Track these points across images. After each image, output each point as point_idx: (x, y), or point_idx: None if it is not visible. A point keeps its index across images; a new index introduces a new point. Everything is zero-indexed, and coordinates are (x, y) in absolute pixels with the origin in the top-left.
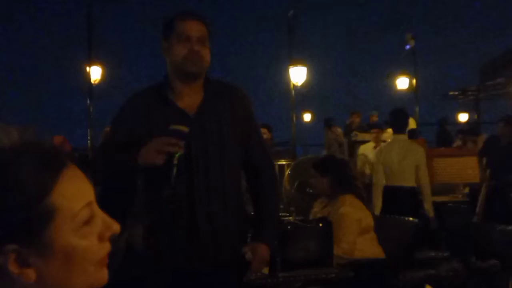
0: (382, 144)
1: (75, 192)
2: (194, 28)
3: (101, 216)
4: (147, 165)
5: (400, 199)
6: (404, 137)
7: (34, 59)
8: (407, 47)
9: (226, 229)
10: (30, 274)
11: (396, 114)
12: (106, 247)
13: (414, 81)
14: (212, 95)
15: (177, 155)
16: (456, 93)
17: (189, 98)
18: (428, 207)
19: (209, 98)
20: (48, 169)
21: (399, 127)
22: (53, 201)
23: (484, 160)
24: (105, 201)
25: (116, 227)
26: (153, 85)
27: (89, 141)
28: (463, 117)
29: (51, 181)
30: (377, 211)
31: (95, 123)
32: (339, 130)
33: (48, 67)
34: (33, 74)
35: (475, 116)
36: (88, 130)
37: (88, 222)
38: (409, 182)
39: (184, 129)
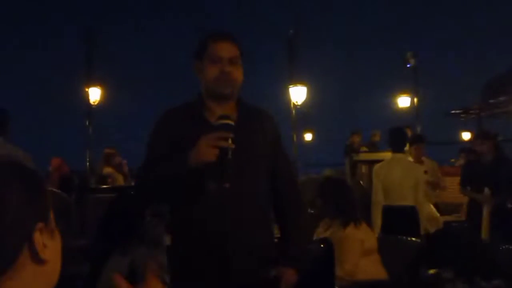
0: (379, 164)
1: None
2: (226, 49)
3: None
4: (199, 163)
5: (400, 219)
6: (402, 155)
7: (33, 80)
8: (408, 65)
9: (254, 252)
10: (47, 253)
11: (394, 133)
12: None
13: (415, 99)
14: (245, 116)
15: (230, 149)
16: (458, 111)
17: None
18: (423, 226)
19: (242, 119)
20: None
21: (397, 146)
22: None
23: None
24: (109, 224)
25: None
26: (185, 102)
27: (87, 163)
28: (465, 135)
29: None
30: (377, 230)
31: (94, 144)
32: None
33: (47, 88)
34: (32, 95)
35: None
36: (87, 151)
37: None
38: (409, 201)
39: (231, 122)
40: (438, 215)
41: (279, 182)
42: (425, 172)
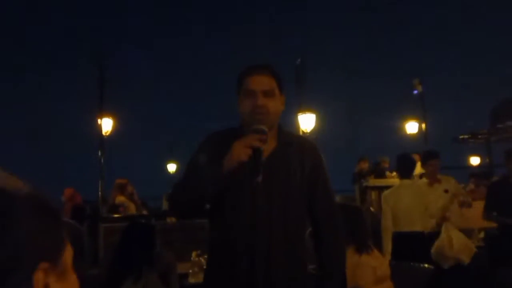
0: (388, 190)
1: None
2: (259, 83)
3: None
4: (233, 164)
5: (410, 245)
6: (410, 181)
7: (45, 110)
8: (415, 92)
9: (284, 280)
10: None
11: (402, 159)
12: None
13: (423, 125)
14: (284, 144)
15: (262, 149)
16: (467, 136)
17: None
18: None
19: (281, 146)
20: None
21: (405, 172)
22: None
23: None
24: (122, 252)
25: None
26: (228, 128)
27: (100, 193)
28: (474, 160)
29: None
30: (388, 256)
31: (106, 174)
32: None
33: (60, 119)
34: (44, 125)
35: (487, 159)
36: (99, 181)
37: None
38: (417, 227)
39: (265, 128)
40: (471, 242)
41: (317, 212)
42: (446, 191)
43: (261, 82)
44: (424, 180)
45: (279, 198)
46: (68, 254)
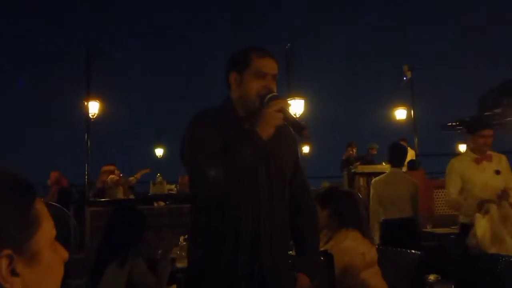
0: (377, 177)
1: (46, 213)
2: (271, 66)
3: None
4: (271, 130)
5: (398, 231)
6: (400, 170)
7: (31, 94)
8: (404, 78)
9: (283, 259)
10: (17, 284)
11: (394, 148)
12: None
13: (412, 112)
14: (277, 129)
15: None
16: (454, 123)
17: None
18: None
19: (276, 131)
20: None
21: (396, 161)
22: (37, 212)
23: None
24: (110, 234)
25: (66, 255)
26: (213, 107)
27: (86, 177)
28: (462, 147)
29: (33, 198)
30: (376, 239)
31: (93, 158)
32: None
33: (46, 102)
34: (30, 109)
35: None
36: (86, 165)
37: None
38: (405, 214)
39: (274, 93)
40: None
41: (297, 195)
42: (497, 172)
43: (272, 65)
44: (470, 154)
45: (277, 183)
46: (42, 236)
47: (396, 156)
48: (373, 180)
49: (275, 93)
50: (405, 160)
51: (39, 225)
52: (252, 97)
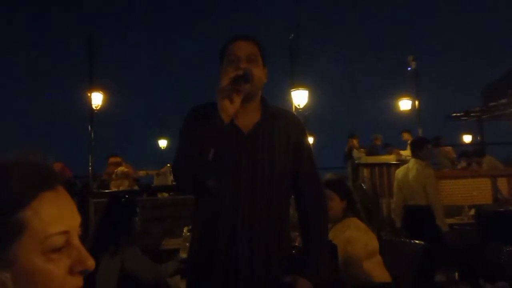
0: (399, 168)
1: (53, 216)
2: (243, 48)
3: (77, 249)
4: (227, 106)
5: (417, 217)
6: (420, 161)
7: (35, 85)
8: (409, 68)
9: (265, 253)
10: None
11: (417, 141)
12: (76, 281)
13: (416, 102)
14: (268, 116)
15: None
16: (459, 114)
17: (245, 118)
18: (439, 223)
19: (265, 118)
20: (29, 185)
21: (417, 153)
22: (25, 217)
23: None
24: (103, 224)
25: (90, 263)
26: (211, 102)
27: (90, 168)
28: (467, 138)
29: (28, 197)
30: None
31: (96, 149)
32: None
33: (50, 93)
34: (34, 100)
35: (479, 137)
36: (90, 156)
37: (60, 249)
38: (420, 201)
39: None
40: None
41: (302, 187)
42: None
43: (245, 47)
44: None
45: (263, 171)
46: (27, 244)
47: (418, 148)
48: (396, 172)
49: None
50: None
51: (22, 233)
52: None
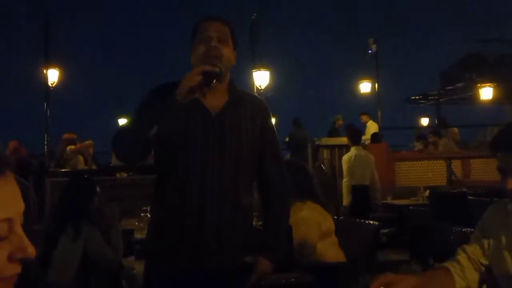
0: (346, 154)
1: None
2: (213, 28)
3: (18, 236)
4: (184, 91)
5: (362, 194)
6: (360, 147)
7: None
8: (370, 51)
9: (233, 237)
10: None
11: (352, 130)
12: (15, 268)
13: (376, 85)
14: (235, 99)
15: (218, 71)
16: (418, 97)
17: (213, 99)
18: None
19: (232, 101)
20: None
21: (356, 141)
22: None
23: None
24: (62, 205)
25: (31, 251)
26: (176, 81)
27: (46, 146)
28: (424, 121)
29: None
30: (346, 203)
31: (53, 129)
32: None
33: (3, 70)
34: None
35: (436, 120)
36: (45, 135)
37: (3, 239)
38: (366, 182)
39: (220, 66)
40: None
41: (267, 168)
42: None
43: (216, 27)
44: None
45: (230, 153)
46: None
47: (355, 137)
48: (343, 157)
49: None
50: (361, 138)
51: None
52: (198, 61)
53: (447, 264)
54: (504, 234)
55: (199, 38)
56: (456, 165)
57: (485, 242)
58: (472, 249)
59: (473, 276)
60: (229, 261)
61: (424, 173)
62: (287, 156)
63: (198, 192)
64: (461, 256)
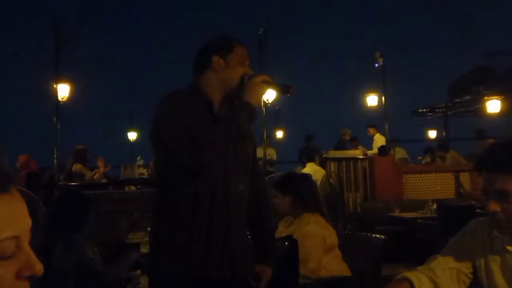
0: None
1: (5, 219)
2: (247, 55)
3: (26, 253)
4: (259, 96)
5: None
6: (312, 164)
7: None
8: (376, 65)
9: (244, 242)
10: None
11: (306, 150)
12: (23, 285)
13: (383, 98)
14: None
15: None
16: (425, 110)
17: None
18: None
19: None
20: None
21: (310, 158)
22: None
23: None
24: (54, 218)
25: (39, 268)
26: (183, 90)
27: (55, 160)
28: (432, 134)
29: None
30: None
31: (63, 143)
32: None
33: (14, 84)
34: None
35: (443, 133)
36: (55, 149)
37: (10, 257)
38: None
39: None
40: None
41: (255, 184)
42: None
43: (247, 55)
44: None
45: (244, 170)
46: None
47: (309, 155)
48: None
49: (253, 73)
50: (314, 157)
51: None
52: (235, 80)
53: (409, 275)
54: (491, 259)
55: (238, 60)
56: (465, 177)
57: (466, 264)
58: (441, 272)
59: None
60: (242, 268)
61: (432, 186)
62: (299, 168)
63: (224, 216)
64: (424, 276)
